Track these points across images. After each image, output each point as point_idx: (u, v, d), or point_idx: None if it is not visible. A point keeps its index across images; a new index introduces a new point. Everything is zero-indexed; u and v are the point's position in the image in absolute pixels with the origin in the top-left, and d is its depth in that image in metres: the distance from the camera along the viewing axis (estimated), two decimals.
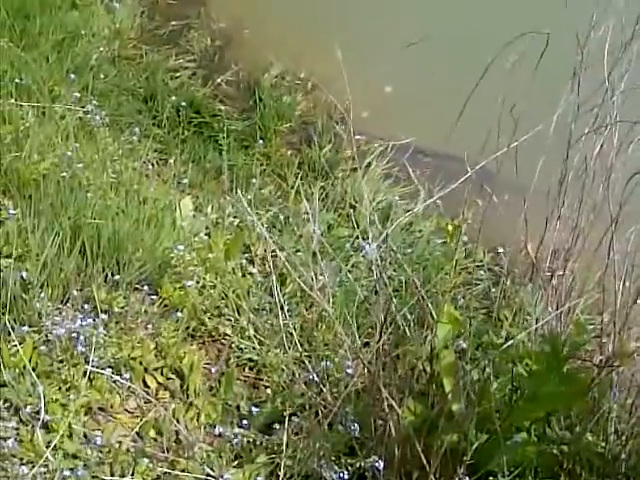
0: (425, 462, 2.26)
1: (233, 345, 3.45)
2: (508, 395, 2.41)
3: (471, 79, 2.61)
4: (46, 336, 2.99)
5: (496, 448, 2.27)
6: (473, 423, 2.23)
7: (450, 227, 2.43)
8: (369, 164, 4.54)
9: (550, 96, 2.79)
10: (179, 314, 3.34)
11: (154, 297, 3.40)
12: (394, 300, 2.54)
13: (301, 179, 4.34)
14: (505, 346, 2.23)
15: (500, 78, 2.54)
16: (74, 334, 2.95)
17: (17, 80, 4.19)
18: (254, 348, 3.41)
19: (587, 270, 2.70)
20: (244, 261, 3.78)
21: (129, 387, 3.10)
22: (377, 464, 2.34)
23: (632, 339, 2.43)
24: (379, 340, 2.27)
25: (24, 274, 3.14)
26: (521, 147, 2.61)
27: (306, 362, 2.94)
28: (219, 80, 5.12)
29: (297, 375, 3.14)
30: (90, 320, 3.03)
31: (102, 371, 2.89)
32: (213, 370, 3.29)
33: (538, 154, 2.81)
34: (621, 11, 2.65)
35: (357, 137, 4.66)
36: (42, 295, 3.09)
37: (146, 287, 3.38)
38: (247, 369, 3.39)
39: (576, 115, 2.66)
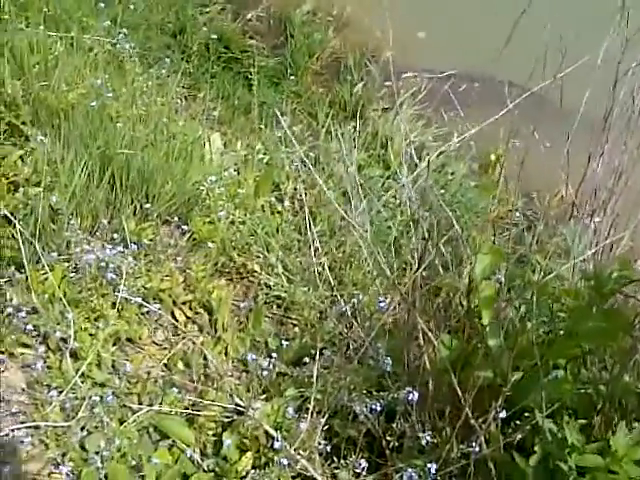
0: (461, 396, 2.22)
1: (261, 282, 3.41)
2: (545, 334, 2.35)
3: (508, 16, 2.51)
4: (75, 264, 2.96)
5: (533, 384, 2.22)
6: (510, 359, 2.18)
7: (493, 156, 2.34)
8: (402, 104, 4.43)
9: (598, 27, 2.68)
10: (210, 246, 3.30)
11: (184, 230, 3.36)
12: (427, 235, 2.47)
13: (332, 118, 4.25)
14: (544, 280, 2.16)
15: (546, 6, 2.44)
16: (103, 263, 2.92)
17: (45, 10, 4.10)
18: (282, 286, 3.37)
19: (629, 210, 2.62)
20: (273, 199, 3.72)
21: (157, 319, 3.09)
22: (411, 396, 2.30)
23: None
24: (418, 269, 2.21)
25: (53, 203, 3.10)
26: (566, 80, 2.52)
27: (338, 297, 2.89)
28: (249, 16, 5.02)
29: (327, 311, 3.10)
30: (119, 249, 2.99)
31: (132, 297, 2.85)
32: (242, 306, 3.26)
33: (583, 88, 2.71)
34: None
35: (390, 79, 4.57)
36: (72, 224, 3.05)
37: (176, 220, 3.33)
38: (275, 307, 3.35)
39: (625, 46, 2.55)
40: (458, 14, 5.04)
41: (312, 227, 3.35)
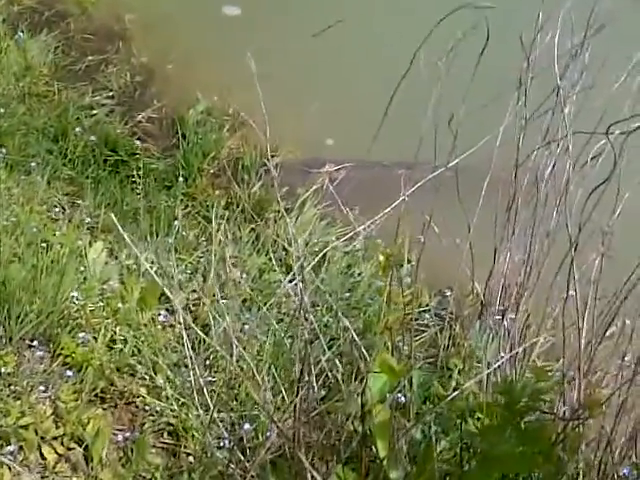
0: None
1: (148, 407, 3.04)
2: (457, 457, 2.01)
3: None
4: None
5: None
6: None
7: (382, 257, 2.05)
8: (303, 203, 4.16)
9: (493, 105, 2.45)
10: (82, 373, 2.92)
11: (53, 354, 2.97)
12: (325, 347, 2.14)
13: (229, 221, 3.94)
14: (452, 396, 1.83)
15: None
16: None
17: None
18: (172, 410, 3.00)
19: (543, 306, 2.33)
20: (162, 312, 3.36)
21: (22, 460, 2.67)
22: None
23: (599, 385, 2.06)
24: (297, 393, 1.86)
25: None
26: (463, 166, 2.26)
27: (222, 425, 2.52)
28: (139, 117, 4.72)
29: (217, 440, 2.73)
30: None
31: None
32: (122, 437, 2.86)
33: (482, 173, 2.45)
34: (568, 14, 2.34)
35: (292, 179, 4.33)
36: None
37: (43, 343, 2.94)
38: (165, 434, 2.97)
39: (523, 129, 2.31)
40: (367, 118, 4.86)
41: (203, 343, 3.02)
